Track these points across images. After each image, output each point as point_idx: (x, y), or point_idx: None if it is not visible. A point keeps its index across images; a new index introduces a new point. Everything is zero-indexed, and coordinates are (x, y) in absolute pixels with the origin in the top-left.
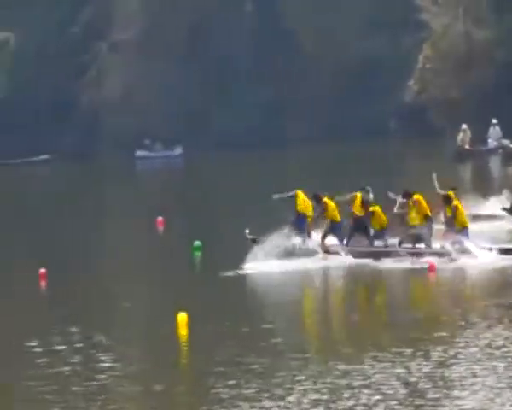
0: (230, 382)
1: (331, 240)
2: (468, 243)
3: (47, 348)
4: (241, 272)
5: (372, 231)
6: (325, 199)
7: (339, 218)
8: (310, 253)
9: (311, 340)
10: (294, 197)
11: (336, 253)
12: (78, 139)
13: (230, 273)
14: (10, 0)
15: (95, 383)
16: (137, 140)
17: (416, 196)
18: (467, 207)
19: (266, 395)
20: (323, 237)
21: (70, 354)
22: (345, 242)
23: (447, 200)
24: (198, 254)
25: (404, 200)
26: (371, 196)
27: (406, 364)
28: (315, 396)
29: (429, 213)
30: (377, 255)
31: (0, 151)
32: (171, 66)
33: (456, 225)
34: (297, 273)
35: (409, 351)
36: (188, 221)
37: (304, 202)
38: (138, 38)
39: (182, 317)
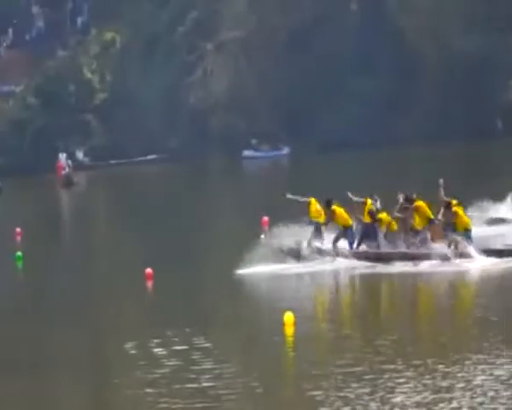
0: (331, 384)
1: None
2: (468, 247)
3: (155, 349)
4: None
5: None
6: (334, 207)
7: (350, 222)
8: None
9: (410, 341)
10: (307, 204)
11: (345, 256)
12: (184, 139)
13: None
14: (117, 1)
15: (195, 385)
16: (243, 140)
17: (417, 203)
18: None
19: (368, 397)
20: (335, 241)
21: (174, 355)
22: (354, 246)
23: (447, 206)
24: None
25: (408, 205)
26: (378, 204)
27: (507, 366)
28: (417, 398)
29: (432, 217)
30: (381, 259)
31: (111, 151)
32: (277, 66)
33: (456, 229)
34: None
35: (506, 354)
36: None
37: (316, 211)
38: (244, 38)
39: (288, 316)
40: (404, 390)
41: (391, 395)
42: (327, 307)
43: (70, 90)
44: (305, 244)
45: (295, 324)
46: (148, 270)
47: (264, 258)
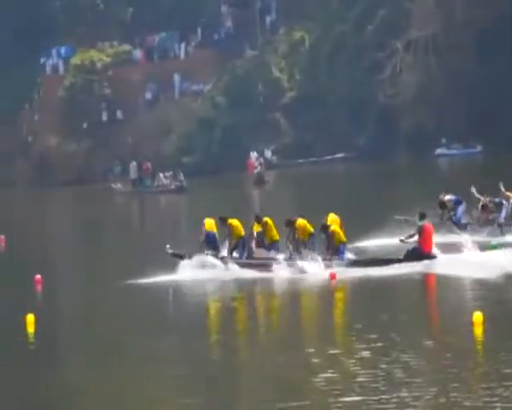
0: None
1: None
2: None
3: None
4: None
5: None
6: (229, 221)
7: (243, 233)
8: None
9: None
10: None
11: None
12: (372, 137)
13: None
14: (306, 1)
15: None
16: (432, 138)
17: (297, 222)
18: None
19: None
20: (231, 251)
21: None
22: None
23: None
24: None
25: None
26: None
27: None
28: None
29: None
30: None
31: (299, 149)
32: (465, 64)
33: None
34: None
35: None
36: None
37: (210, 224)
38: (433, 36)
39: (477, 316)
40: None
41: None
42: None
43: (258, 89)
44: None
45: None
46: None
47: None
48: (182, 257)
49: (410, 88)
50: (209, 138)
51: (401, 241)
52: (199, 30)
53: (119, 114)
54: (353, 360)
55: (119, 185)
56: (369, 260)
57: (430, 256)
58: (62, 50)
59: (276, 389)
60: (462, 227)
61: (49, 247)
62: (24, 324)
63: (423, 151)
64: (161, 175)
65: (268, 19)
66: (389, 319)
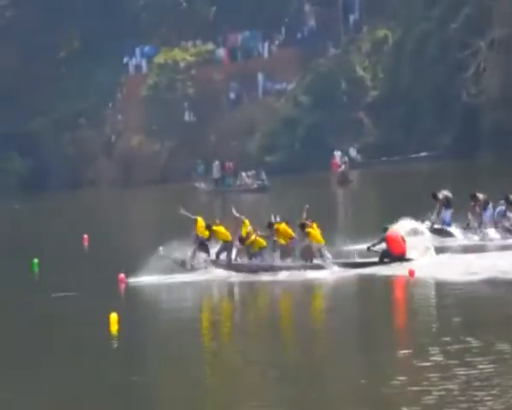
0: None
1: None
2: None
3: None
4: None
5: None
6: (214, 227)
7: (230, 238)
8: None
9: None
10: (195, 221)
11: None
12: (456, 136)
13: None
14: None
15: None
16: None
17: (277, 226)
18: None
19: None
20: (218, 254)
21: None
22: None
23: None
24: None
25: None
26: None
27: None
28: None
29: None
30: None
31: (383, 148)
32: None
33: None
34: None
35: None
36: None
37: (202, 227)
38: None
39: None
40: None
41: None
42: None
43: (342, 87)
44: (189, 256)
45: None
46: None
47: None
48: (177, 261)
49: (494, 87)
50: (292, 137)
51: (368, 249)
52: (282, 29)
53: (202, 113)
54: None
55: (202, 185)
56: (349, 263)
57: (404, 259)
58: (146, 50)
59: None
60: (446, 232)
61: (133, 246)
62: (107, 322)
63: (507, 150)
64: (244, 174)
65: (351, 17)
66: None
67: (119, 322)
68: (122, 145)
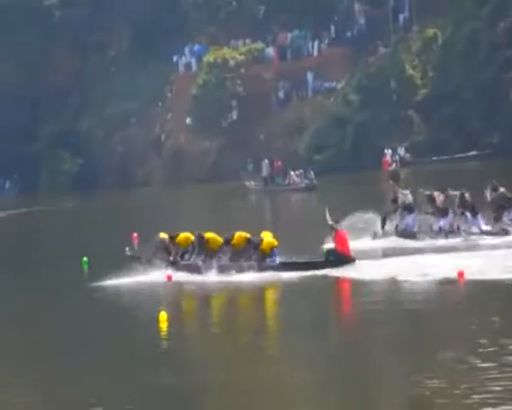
0: None
1: None
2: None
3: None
4: None
5: None
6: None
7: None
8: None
9: None
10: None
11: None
12: (505, 134)
13: None
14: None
15: None
16: None
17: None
18: None
19: None
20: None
21: None
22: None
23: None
24: None
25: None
26: None
27: None
28: None
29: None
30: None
31: (432, 147)
32: None
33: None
34: None
35: None
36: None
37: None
38: None
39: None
40: None
41: None
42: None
43: (391, 86)
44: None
45: None
46: None
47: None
48: (139, 260)
49: None
50: (342, 136)
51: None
52: (332, 27)
53: (251, 111)
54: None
55: (252, 183)
56: (293, 263)
57: (349, 260)
58: (195, 48)
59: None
60: (412, 235)
61: None
62: (157, 320)
63: None
64: (292, 173)
65: (401, 16)
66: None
67: (168, 320)
68: (171, 144)
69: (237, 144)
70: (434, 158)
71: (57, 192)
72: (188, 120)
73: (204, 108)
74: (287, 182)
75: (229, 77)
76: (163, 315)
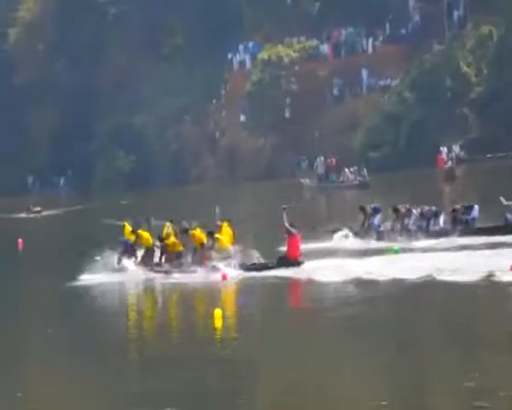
0: None
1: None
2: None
3: None
4: None
5: None
6: (139, 231)
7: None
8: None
9: None
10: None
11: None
12: None
13: None
14: None
15: None
16: None
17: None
18: None
19: None
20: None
21: None
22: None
23: None
24: None
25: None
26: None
27: None
28: None
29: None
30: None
31: (487, 144)
32: None
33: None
34: None
35: None
36: None
37: (129, 232)
38: None
39: None
40: None
41: None
42: None
43: (446, 83)
44: (116, 260)
45: None
46: None
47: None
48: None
49: None
50: (396, 134)
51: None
52: (386, 25)
53: (305, 108)
54: None
55: (307, 180)
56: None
57: (297, 263)
58: (249, 46)
59: None
60: (380, 235)
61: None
62: (212, 317)
63: None
64: (346, 170)
65: (455, 13)
66: None
67: (223, 318)
68: (226, 141)
69: (291, 142)
70: (489, 155)
71: (110, 189)
72: (242, 118)
73: (258, 105)
74: (341, 179)
75: (284, 74)
76: (218, 312)
